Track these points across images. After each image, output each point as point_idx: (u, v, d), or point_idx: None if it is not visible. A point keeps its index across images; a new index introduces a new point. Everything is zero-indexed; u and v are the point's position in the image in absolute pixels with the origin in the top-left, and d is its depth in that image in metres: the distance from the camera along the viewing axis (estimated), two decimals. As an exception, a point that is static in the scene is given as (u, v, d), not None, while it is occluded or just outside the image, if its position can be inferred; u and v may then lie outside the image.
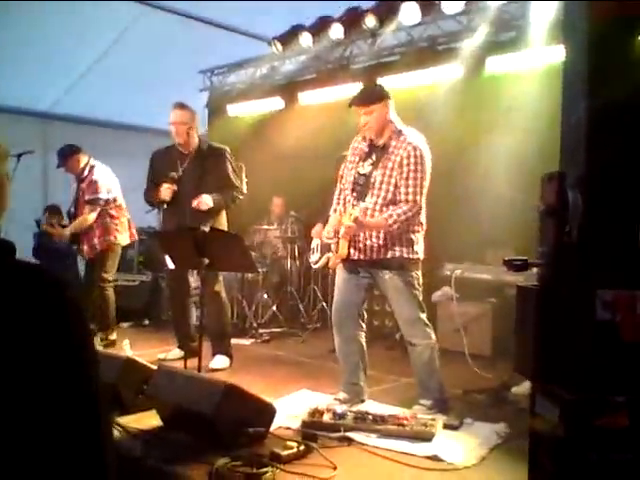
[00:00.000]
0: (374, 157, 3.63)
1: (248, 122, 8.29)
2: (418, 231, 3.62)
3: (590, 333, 1.43)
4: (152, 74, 7.61)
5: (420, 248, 3.64)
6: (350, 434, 3.08)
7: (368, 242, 3.58)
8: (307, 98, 7.63)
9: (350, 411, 3.31)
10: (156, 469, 2.72)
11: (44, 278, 0.99)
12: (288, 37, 7.34)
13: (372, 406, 3.62)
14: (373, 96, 3.62)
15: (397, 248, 3.55)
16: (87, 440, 0.96)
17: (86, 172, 5.55)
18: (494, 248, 5.09)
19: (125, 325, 6.50)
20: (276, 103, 7.93)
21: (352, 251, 3.62)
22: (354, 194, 3.66)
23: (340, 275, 3.77)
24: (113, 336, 5.46)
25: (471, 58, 6.00)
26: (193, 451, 2.82)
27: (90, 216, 5.46)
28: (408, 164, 3.48)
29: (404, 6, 6.17)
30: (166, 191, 4.69)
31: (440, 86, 6.17)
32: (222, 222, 4.91)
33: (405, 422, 3.14)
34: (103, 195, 5.51)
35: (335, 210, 3.82)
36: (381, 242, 3.56)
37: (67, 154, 5.55)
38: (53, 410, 0.92)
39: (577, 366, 1.43)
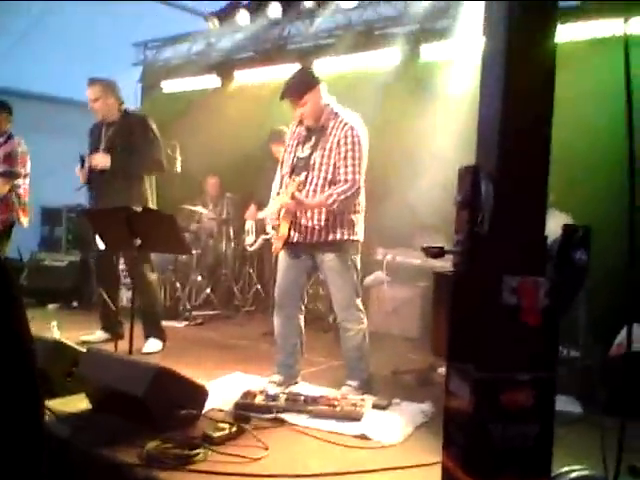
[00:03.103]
0: (313, 140, 3.64)
1: (183, 99, 8.13)
2: (358, 212, 3.66)
3: (497, 316, 1.55)
4: (85, 45, 7.36)
5: (360, 229, 3.69)
6: (282, 415, 3.13)
7: (309, 224, 3.59)
8: (243, 77, 7.56)
9: (282, 393, 3.36)
10: (85, 453, 2.69)
11: None
12: (225, 13, 7.25)
13: (304, 388, 3.69)
14: (302, 87, 3.57)
15: (338, 230, 3.58)
16: (28, 412, 0.96)
17: (3, 139, 5.20)
18: (425, 234, 5.24)
19: (53, 307, 6.33)
20: (212, 81, 7.83)
21: (293, 233, 3.63)
22: (292, 176, 3.67)
23: (283, 257, 3.78)
24: None
25: (406, 44, 6.10)
26: (123, 434, 2.79)
27: (4, 187, 5.08)
28: (345, 144, 3.51)
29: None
30: (103, 160, 4.60)
31: (375, 71, 6.25)
32: (146, 194, 4.74)
33: (336, 403, 3.22)
34: (20, 169, 5.17)
35: (278, 194, 3.81)
36: (322, 224, 3.58)
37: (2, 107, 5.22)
38: None
39: (486, 347, 1.55)
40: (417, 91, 5.86)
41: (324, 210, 3.56)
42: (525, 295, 1.51)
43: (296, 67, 6.95)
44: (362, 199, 3.67)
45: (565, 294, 1.55)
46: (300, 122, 3.73)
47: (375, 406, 3.35)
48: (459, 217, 1.62)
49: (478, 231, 1.55)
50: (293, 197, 3.49)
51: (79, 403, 3.17)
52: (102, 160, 4.59)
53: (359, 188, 3.58)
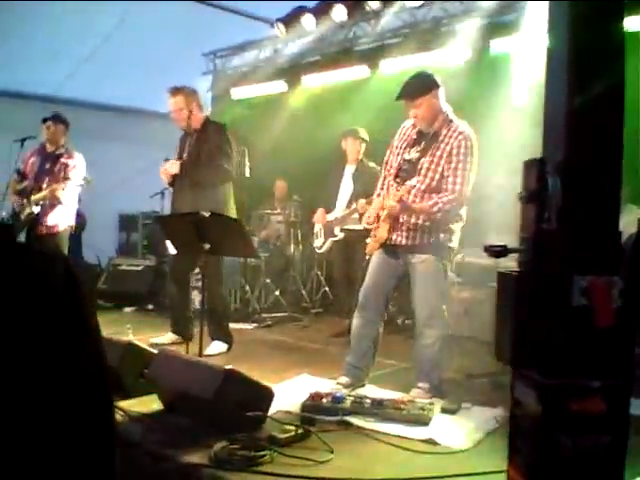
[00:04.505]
0: (423, 144, 3.59)
1: (252, 105, 8.27)
2: (457, 221, 3.62)
3: (567, 319, 1.44)
4: (155, 57, 7.60)
5: (456, 238, 3.64)
6: (348, 418, 3.10)
7: (409, 226, 3.55)
8: (310, 81, 7.59)
9: (349, 395, 3.32)
10: (156, 453, 2.75)
11: (56, 261, 1.03)
12: (291, 19, 7.30)
13: (371, 390, 3.64)
14: (419, 88, 3.53)
15: (435, 233, 3.54)
16: (100, 412, 1.00)
17: (63, 150, 5.39)
18: (496, 233, 5.07)
19: (129, 310, 6.55)
20: (279, 86, 7.91)
21: (392, 235, 3.59)
22: (397, 179, 3.63)
23: (375, 259, 3.74)
24: None
25: (475, 40, 5.94)
26: (193, 435, 2.84)
27: (62, 191, 5.20)
28: (458, 154, 3.46)
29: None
30: (171, 167, 4.71)
31: (444, 68, 6.12)
32: (222, 202, 4.79)
33: (403, 406, 3.16)
34: (79, 177, 5.33)
35: (379, 195, 3.78)
36: (422, 228, 3.54)
37: (57, 119, 5.40)
38: (67, 383, 0.96)
39: (554, 351, 1.44)
40: (488, 86, 5.70)
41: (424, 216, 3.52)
42: (597, 295, 1.40)
43: (363, 68, 7.02)
44: (463, 210, 3.62)
45: (641, 294, 1.43)
46: (413, 125, 3.68)
47: (444, 410, 3.26)
48: (524, 213, 1.53)
49: (545, 228, 1.46)
50: (400, 200, 3.45)
51: (151, 404, 3.24)
52: (171, 167, 4.72)
53: (464, 200, 3.54)
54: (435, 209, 3.45)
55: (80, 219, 5.60)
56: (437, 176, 3.49)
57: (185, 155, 4.81)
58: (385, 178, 3.79)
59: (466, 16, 6.12)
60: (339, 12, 6.85)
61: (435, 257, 3.54)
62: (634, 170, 3.84)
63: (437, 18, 6.52)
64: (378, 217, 3.65)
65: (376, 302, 3.72)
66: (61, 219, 5.31)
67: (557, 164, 1.45)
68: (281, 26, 7.38)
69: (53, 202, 5.23)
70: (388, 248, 3.65)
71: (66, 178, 5.27)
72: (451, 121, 3.56)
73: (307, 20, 7.12)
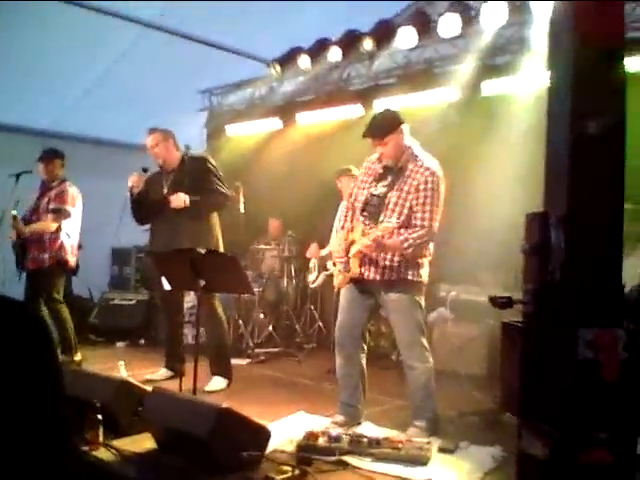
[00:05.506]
0: (389, 179, 3.62)
1: (247, 142, 8.34)
2: (426, 256, 3.64)
3: (573, 371, 1.44)
4: (152, 93, 7.67)
5: (425, 272, 3.66)
6: (345, 458, 3.07)
7: (380, 262, 3.57)
8: (305, 118, 7.69)
9: (345, 434, 3.30)
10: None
11: (13, 309, 1.03)
12: (287, 59, 7.41)
13: (368, 429, 3.62)
14: (385, 127, 3.57)
15: (406, 271, 3.57)
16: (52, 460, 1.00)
17: (56, 182, 5.38)
18: (489, 269, 5.12)
19: (121, 345, 6.48)
20: (274, 124, 8.00)
21: (362, 270, 3.61)
22: (365, 214, 3.66)
23: (345, 294, 3.77)
24: (78, 357, 5.26)
25: (467, 81, 6.08)
26: (187, 475, 2.81)
27: (52, 224, 5.19)
28: (425, 189, 3.49)
29: (401, 30, 6.25)
30: (136, 178, 4.86)
31: (436, 109, 6.25)
32: (213, 239, 4.83)
33: (400, 445, 3.14)
34: (70, 208, 5.30)
35: (343, 227, 3.82)
36: (393, 264, 3.56)
37: (52, 155, 5.41)
38: (25, 433, 0.96)
39: (561, 403, 1.44)
40: (479, 127, 5.81)
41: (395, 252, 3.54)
42: (603, 349, 1.41)
43: (357, 108, 7.14)
44: (431, 244, 3.64)
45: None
46: (379, 160, 3.72)
47: (442, 450, 3.25)
48: (528, 265, 1.54)
49: (549, 280, 1.47)
50: (375, 240, 3.46)
51: (145, 442, 3.20)
52: (180, 200, 4.73)
53: (434, 234, 3.55)
54: (406, 245, 3.46)
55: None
56: (405, 211, 3.51)
57: (165, 192, 4.86)
58: (348, 210, 3.83)
59: (458, 58, 6.26)
60: (334, 53, 6.98)
61: (406, 294, 3.58)
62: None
63: (430, 60, 6.66)
64: (346, 250, 3.67)
65: (352, 337, 3.74)
66: (46, 254, 5.20)
67: (560, 217, 1.47)
68: (277, 66, 7.49)
69: (36, 236, 5.18)
70: (358, 283, 3.68)
71: (53, 210, 5.25)
72: (417, 156, 3.60)
73: (303, 60, 7.24)
